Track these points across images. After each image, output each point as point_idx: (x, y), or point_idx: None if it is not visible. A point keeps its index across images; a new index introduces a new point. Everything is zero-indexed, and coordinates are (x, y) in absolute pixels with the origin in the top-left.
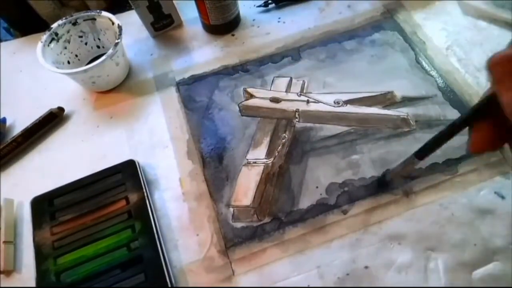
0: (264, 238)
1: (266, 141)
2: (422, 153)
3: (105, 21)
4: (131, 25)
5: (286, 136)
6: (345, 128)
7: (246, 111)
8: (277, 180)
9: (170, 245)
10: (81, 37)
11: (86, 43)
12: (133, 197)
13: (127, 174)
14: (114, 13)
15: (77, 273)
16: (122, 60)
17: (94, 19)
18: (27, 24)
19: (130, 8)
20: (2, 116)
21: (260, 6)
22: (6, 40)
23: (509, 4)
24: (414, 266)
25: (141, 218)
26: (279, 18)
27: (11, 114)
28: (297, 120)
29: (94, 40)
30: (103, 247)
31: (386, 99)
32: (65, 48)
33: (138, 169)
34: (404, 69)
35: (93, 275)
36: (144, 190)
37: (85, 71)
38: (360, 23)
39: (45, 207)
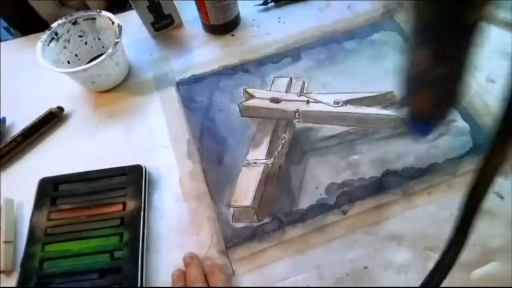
0: (264, 238)
1: (266, 141)
2: None
3: (105, 21)
4: (131, 25)
5: (286, 136)
6: (345, 128)
7: (246, 112)
8: (277, 181)
9: (170, 245)
10: (81, 36)
11: (86, 43)
12: (130, 204)
13: (132, 178)
14: (114, 13)
15: (58, 266)
16: (122, 60)
17: (94, 18)
18: (27, 24)
19: (130, 8)
20: (2, 116)
21: (259, 5)
22: (6, 40)
23: (509, 4)
24: (413, 266)
25: (131, 228)
26: (279, 18)
27: (11, 114)
28: (297, 120)
29: (94, 39)
30: (89, 247)
31: (386, 99)
32: (65, 47)
33: (144, 176)
34: None
35: (72, 273)
36: (142, 201)
37: (84, 70)
38: (360, 24)
39: (50, 190)
